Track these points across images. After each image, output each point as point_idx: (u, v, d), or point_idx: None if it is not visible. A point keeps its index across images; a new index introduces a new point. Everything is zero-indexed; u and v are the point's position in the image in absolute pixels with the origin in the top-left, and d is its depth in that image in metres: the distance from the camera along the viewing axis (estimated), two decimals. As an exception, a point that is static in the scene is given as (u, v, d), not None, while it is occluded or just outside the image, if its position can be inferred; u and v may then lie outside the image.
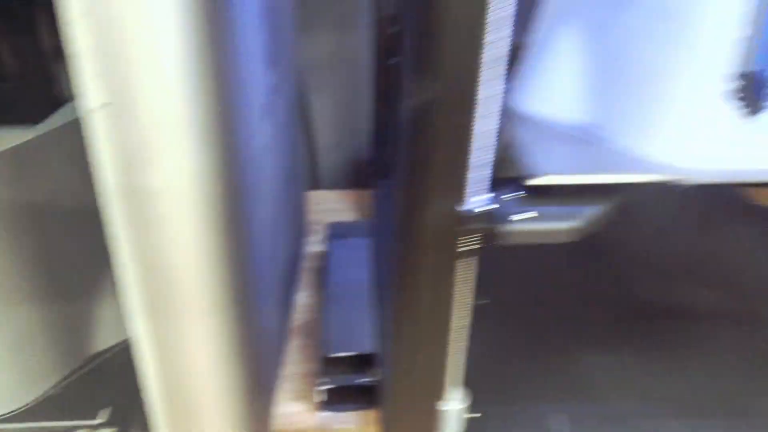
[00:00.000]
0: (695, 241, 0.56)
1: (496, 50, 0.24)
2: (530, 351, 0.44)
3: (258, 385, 0.36)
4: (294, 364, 0.49)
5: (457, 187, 0.27)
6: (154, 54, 0.22)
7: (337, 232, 0.58)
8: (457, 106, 0.25)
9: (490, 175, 0.27)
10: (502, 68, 0.24)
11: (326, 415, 0.44)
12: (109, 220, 0.25)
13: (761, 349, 0.44)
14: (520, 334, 0.45)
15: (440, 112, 0.25)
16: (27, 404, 0.37)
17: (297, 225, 0.58)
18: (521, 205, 0.28)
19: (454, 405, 0.36)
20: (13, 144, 0.35)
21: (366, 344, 0.44)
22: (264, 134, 0.36)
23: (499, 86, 0.25)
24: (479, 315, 0.33)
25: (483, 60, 0.24)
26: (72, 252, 0.39)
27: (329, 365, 0.44)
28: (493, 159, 0.27)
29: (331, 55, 0.70)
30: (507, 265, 0.50)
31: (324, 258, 0.56)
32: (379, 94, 0.61)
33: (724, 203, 0.59)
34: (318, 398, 0.44)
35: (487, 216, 0.28)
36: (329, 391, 0.44)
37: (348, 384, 0.44)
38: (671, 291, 0.49)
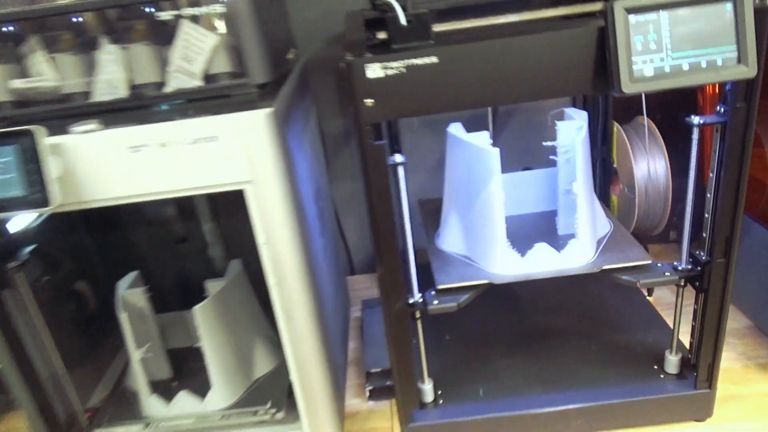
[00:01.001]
0: (549, 296, 0.96)
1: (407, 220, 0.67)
2: (467, 357, 0.84)
3: (338, 385, 0.78)
4: (351, 378, 0.91)
5: (406, 292, 0.69)
6: (280, 218, 0.65)
7: (369, 304, 1.01)
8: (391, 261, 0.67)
9: (417, 284, 0.69)
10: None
11: (371, 403, 0.86)
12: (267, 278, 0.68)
13: (592, 350, 0.83)
14: (461, 347, 0.86)
15: (383, 262, 0.67)
16: (234, 401, 0.80)
17: (343, 298, 1.01)
18: (435, 297, 0.70)
19: (427, 387, 0.77)
20: (217, 290, 0.79)
21: (386, 363, 0.86)
22: (319, 240, 0.79)
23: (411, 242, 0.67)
24: (439, 340, 0.74)
25: (407, 226, 0.66)
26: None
27: (370, 376, 0.86)
28: (423, 277, 0.69)
29: (352, 192, 1.14)
30: (453, 317, 0.92)
31: (361, 320, 0.99)
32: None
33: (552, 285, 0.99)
34: (366, 394, 0.86)
35: (421, 303, 0.70)
36: (371, 390, 0.86)
37: (380, 385, 0.86)
38: (539, 322, 0.90)
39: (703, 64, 0.53)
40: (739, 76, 0.53)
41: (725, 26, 0.53)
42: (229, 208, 0.95)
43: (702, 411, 0.75)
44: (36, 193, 0.57)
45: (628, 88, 0.53)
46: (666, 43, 0.53)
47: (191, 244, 0.98)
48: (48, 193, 0.56)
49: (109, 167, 0.59)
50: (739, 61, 0.53)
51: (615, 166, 0.96)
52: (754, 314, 0.91)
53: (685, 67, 0.53)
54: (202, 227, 0.96)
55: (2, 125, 0.65)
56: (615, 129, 0.93)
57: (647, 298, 0.93)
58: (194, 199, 0.94)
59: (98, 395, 0.88)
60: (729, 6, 0.52)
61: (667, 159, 0.86)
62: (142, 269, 0.86)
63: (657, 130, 0.88)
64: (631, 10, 0.52)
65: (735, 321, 0.92)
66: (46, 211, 0.57)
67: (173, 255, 0.98)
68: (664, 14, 0.53)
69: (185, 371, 0.88)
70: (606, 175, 0.99)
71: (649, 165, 0.89)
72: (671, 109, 0.99)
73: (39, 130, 0.56)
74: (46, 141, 0.56)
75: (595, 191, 1.00)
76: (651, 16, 0.52)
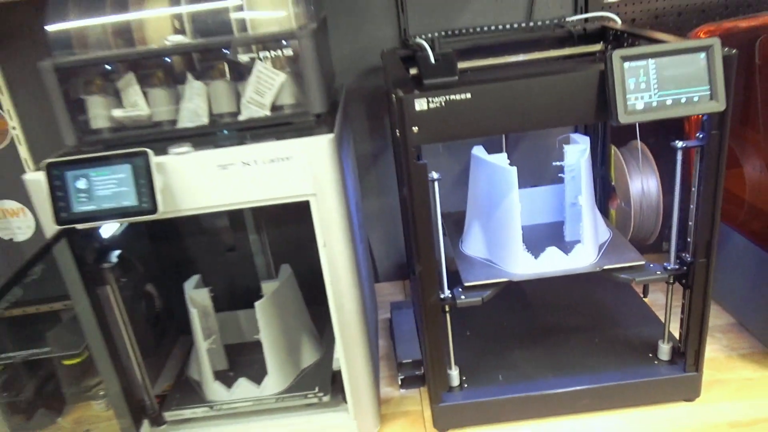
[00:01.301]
0: (557, 296, 1.09)
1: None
2: (487, 348, 0.97)
3: (376, 378, 0.91)
4: (382, 370, 1.03)
5: (438, 287, 0.82)
6: (336, 225, 0.78)
7: (397, 306, 1.14)
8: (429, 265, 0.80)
9: (448, 282, 0.82)
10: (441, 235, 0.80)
11: (403, 390, 0.98)
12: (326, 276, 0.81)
13: (595, 342, 0.96)
14: (481, 341, 0.99)
15: (422, 261, 0.80)
16: (286, 387, 0.92)
17: (374, 301, 1.14)
18: (462, 293, 0.83)
19: (453, 372, 0.89)
20: (273, 289, 0.91)
21: (416, 355, 0.98)
22: (360, 246, 0.92)
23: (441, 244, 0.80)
24: (462, 335, 0.87)
25: (440, 233, 0.79)
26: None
27: (401, 367, 0.98)
28: (449, 277, 0.82)
29: (379, 207, 1.27)
30: (471, 313, 1.04)
31: (390, 320, 1.12)
32: (405, 229, 1.18)
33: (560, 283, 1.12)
34: (399, 382, 0.98)
35: (450, 297, 0.82)
36: (402, 379, 0.98)
37: (411, 375, 0.98)
38: (549, 319, 1.03)
39: (683, 100, 0.67)
40: (711, 110, 0.67)
41: (700, 71, 0.67)
42: (274, 220, 1.08)
43: (691, 392, 0.87)
44: (145, 202, 0.70)
45: (623, 119, 0.67)
46: (653, 84, 0.67)
47: (239, 253, 1.11)
48: (156, 202, 0.69)
49: (202, 182, 0.72)
50: (711, 98, 0.67)
51: (613, 183, 1.10)
52: (736, 312, 1.04)
53: (669, 103, 0.67)
54: (249, 237, 1.09)
55: (99, 148, 0.79)
56: (613, 151, 1.07)
57: (643, 299, 1.06)
58: (243, 213, 1.07)
59: (162, 384, 1.00)
60: (703, 55, 0.66)
61: (659, 177, 0.99)
62: (196, 274, 0.99)
63: (650, 152, 1.01)
64: (625, 58, 0.66)
65: (720, 318, 1.05)
66: (153, 217, 0.70)
67: (222, 262, 1.11)
68: (651, 61, 0.66)
69: (239, 364, 1.00)
70: (605, 191, 1.12)
71: (642, 183, 1.03)
72: (663, 134, 1.13)
73: (150, 152, 0.69)
74: (154, 160, 0.70)
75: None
76: (641, 62, 0.66)
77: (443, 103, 0.69)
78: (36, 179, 0.72)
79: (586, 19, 1.05)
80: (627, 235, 1.07)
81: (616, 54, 0.66)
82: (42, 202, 0.72)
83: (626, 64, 0.66)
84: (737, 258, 0.99)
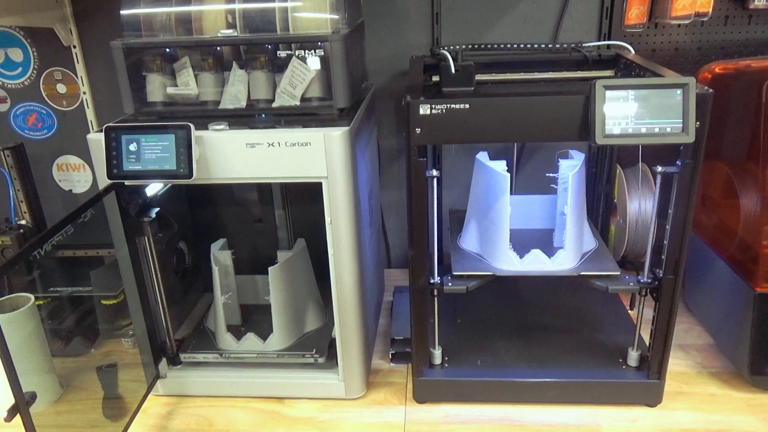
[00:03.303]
0: (547, 298, 1.17)
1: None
2: (472, 336, 1.06)
3: (368, 345, 1.01)
4: (378, 345, 1.14)
5: (428, 273, 0.92)
6: (342, 206, 0.89)
7: (399, 290, 1.24)
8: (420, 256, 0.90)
9: (438, 269, 0.92)
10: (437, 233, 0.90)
11: (393, 364, 1.09)
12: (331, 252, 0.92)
13: (572, 342, 1.04)
14: (469, 329, 1.08)
15: (414, 246, 0.90)
16: (287, 346, 1.04)
17: (380, 285, 1.24)
18: (450, 280, 0.92)
19: (437, 352, 0.99)
20: (286, 258, 1.03)
21: (408, 333, 1.08)
22: (368, 230, 1.03)
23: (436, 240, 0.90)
24: (452, 322, 0.97)
25: (433, 221, 0.89)
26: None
27: (393, 342, 1.09)
28: (444, 270, 0.91)
29: (397, 199, 1.38)
30: (463, 302, 1.14)
31: (393, 303, 1.22)
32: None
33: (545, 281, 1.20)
34: (389, 356, 1.08)
35: (439, 283, 0.92)
36: (393, 354, 1.08)
37: (401, 351, 1.08)
38: (533, 317, 1.11)
39: (656, 130, 0.75)
40: (681, 141, 0.75)
41: (675, 106, 0.74)
42: (298, 200, 1.20)
43: (652, 398, 0.95)
44: (183, 168, 0.82)
45: (600, 140, 0.76)
46: (630, 113, 0.75)
47: (264, 225, 1.23)
48: (192, 169, 0.82)
49: (232, 156, 0.84)
50: (683, 130, 0.75)
51: (615, 201, 1.17)
52: (714, 334, 1.10)
53: (643, 131, 0.75)
54: (275, 212, 1.21)
55: (152, 119, 0.92)
56: (618, 171, 1.15)
57: (628, 311, 1.13)
58: (272, 190, 1.19)
59: (183, 331, 1.13)
60: (679, 92, 0.74)
61: (656, 199, 1.06)
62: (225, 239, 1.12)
63: (651, 175, 1.08)
64: (608, 87, 0.75)
65: (700, 339, 1.12)
66: (188, 182, 0.83)
67: (249, 231, 1.24)
68: (631, 92, 0.75)
69: (251, 321, 1.12)
70: (607, 207, 1.20)
71: (640, 202, 1.11)
72: (670, 158, 1.20)
73: (192, 126, 0.82)
74: (195, 133, 0.82)
75: (597, 221, 1.22)
76: (621, 92, 0.75)
77: (444, 111, 0.79)
78: (97, 138, 0.85)
79: (602, 46, 1.13)
80: (622, 249, 1.14)
81: (599, 83, 0.75)
82: (99, 158, 0.85)
83: (608, 93, 0.75)
84: (720, 284, 1.05)
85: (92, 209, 0.84)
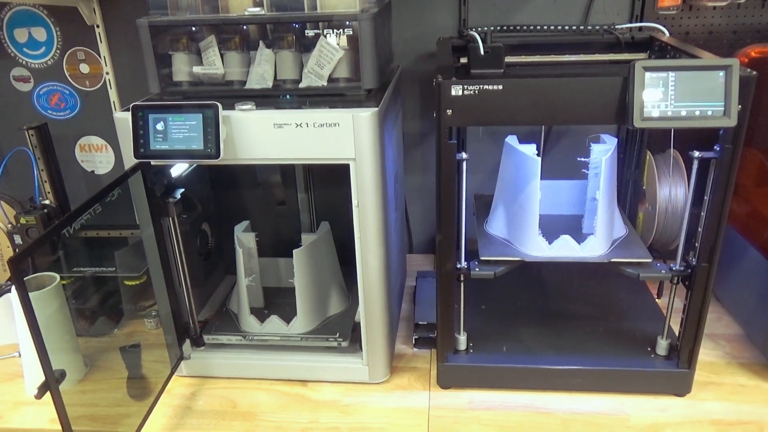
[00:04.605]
0: (574, 285, 1.15)
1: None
2: (497, 322, 1.05)
3: (392, 329, 1.01)
4: (401, 330, 1.13)
5: (455, 258, 0.90)
6: (370, 188, 0.88)
7: (422, 275, 1.23)
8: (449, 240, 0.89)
9: (466, 255, 0.91)
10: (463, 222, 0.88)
11: (416, 349, 1.08)
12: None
13: (600, 330, 1.03)
14: (495, 315, 1.07)
15: (443, 231, 0.89)
16: (311, 330, 1.04)
17: (403, 270, 1.23)
18: (477, 266, 0.91)
19: (462, 337, 0.98)
20: (311, 241, 1.02)
21: (432, 319, 1.07)
22: (393, 213, 1.02)
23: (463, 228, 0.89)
24: (478, 308, 0.96)
25: (462, 208, 0.88)
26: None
27: (417, 328, 1.08)
28: (470, 252, 0.90)
29: (420, 184, 1.36)
30: (489, 288, 1.12)
31: (415, 287, 1.21)
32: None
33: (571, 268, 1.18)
34: (413, 341, 1.08)
35: (466, 268, 0.91)
36: (416, 339, 1.07)
37: (425, 336, 1.07)
38: (560, 304, 1.09)
39: (697, 113, 0.73)
40: (722, 125, 0.73)
41: (717, 88, 0.72)
42: (322, 183, 1.19)
43: (682, 387, 0.93)
44: (210, 148, 0.81)
45: (638, 123, 0.74)
46: (671, 95, 0.73)
47: (288, 208, 1.22)
48: (219, 149, 0.81)
49: (259, 136, 0.83)
50: (724, 114, 0.73)
51: (644, 188, 1.15)
52: (745, 325, 1.08)
53: (683, 113, 0.73)
54: (298, 195, 1.20)
55: (178, 98, 0.91)
56: (648, 157, 1.12)
57: (655, 299, 1.12)
58: (296, 174, 1.18)
59: (206, 312, 1.13)
60: (722, 73, 0.72)
61: (687, 185, 1.04)
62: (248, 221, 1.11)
63: (682, 161, 1.06)
64: (647, 69, 0.73)
65: (730, 328, 1.10)
66: (215, 162, 0.82)
67: (272, 214, 1.23)
68: (672, 74, 0.72)
69: (273, 304, 1.12)
70: (636, 194, 1.18)
71: (671, 189, 1.08)
72: (703, 144, 1.17)
73: (219, 106, 0.81)
74: (222, 113, 0.81)
75: (626, 208, 1.19)
76: (662, 74, 0.72)
77: (476, 92, 0.77)
78: (124, 117, 0.85)
79: (634, 28, 1.10)
80: (650, 237, 1.12)
81: (639, 64, 0.72)
82: (125, 137, 0.85)
83: (647, 74, 0.73)
84: (752, 274, 1.03)
85: (119, 189, 0.84)
